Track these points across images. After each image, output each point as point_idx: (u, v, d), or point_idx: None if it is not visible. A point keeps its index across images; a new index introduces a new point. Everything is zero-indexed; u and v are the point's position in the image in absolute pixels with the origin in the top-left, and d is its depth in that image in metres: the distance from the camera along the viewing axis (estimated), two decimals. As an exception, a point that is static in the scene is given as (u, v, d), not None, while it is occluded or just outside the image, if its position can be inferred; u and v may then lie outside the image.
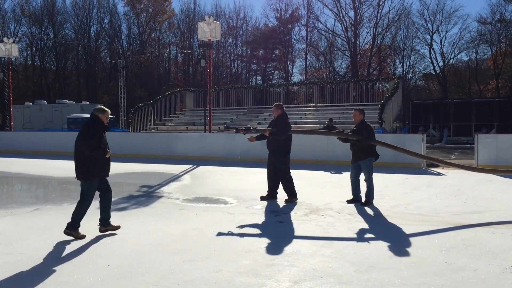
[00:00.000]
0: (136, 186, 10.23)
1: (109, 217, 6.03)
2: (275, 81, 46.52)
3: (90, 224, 6.47)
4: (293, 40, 48.95)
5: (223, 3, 78.36)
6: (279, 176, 8.09)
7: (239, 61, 52.50)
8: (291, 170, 8.12)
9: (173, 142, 17.18)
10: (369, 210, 7.32)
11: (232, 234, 5.91)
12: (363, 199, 7.75)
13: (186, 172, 12.80)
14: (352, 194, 7.90)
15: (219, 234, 5.88)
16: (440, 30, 42.97)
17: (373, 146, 7.77)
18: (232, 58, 52.07)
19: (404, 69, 45.75)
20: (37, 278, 4.31)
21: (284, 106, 8.30)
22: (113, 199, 8.50)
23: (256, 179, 10.98)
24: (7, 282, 4.22)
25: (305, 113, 25.53)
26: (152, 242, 5.53)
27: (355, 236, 5.84)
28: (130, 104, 36.15)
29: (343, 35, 44.77)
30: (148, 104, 27.82)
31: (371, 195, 7.73)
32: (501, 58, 41.37)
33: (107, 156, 5.74)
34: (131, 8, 50.03)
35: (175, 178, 11.65)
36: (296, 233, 6.05)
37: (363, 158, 7.67)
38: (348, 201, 7.87)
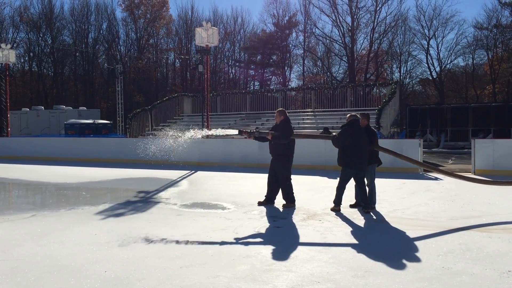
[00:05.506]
0: (134, 192, 10.21)
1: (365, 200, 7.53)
2: (272, 87, 46.50)
3: (87, 229, 6.47)
4: (290, 45, 49.04)
5: (221, 8, 78.94)
6: (280, 182, 8.09)
7: (236, 67, 52.58)
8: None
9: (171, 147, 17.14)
10: (366, 215, 7.32)
11: (229, 239, 5.90)
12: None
13: (183, 177, 12.79)
14: (356, 198, 7.92)
15: (217, 239, 5.87)
16: (436, 36, 43.10)
17: (376, 152, 7.81)
18: (229, 63, 52.18)
19: (401, 74, 45.82)
20: (34, 284, 4.29)
21: None
22: (110, 205, 8.56)
23: (254, 184, 10.98)
24: (4, 288, 4.20)
25: (303, 118, 25.55)
26: (150, 247, 5.52)
27: (352, 241, 5.84)
28: (127, 110, 36.11)
29: (340, 41, 44.88)
30: (145, 109, 27.79)
31: (373, 200, 7.75)
32: (497, 63, 41.51)
33: None
34: (129, 14, 50.08)
35: (173, 183, 11.63)
36: (294, 238, 6.05)
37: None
38: (352, 206, 7.89)
